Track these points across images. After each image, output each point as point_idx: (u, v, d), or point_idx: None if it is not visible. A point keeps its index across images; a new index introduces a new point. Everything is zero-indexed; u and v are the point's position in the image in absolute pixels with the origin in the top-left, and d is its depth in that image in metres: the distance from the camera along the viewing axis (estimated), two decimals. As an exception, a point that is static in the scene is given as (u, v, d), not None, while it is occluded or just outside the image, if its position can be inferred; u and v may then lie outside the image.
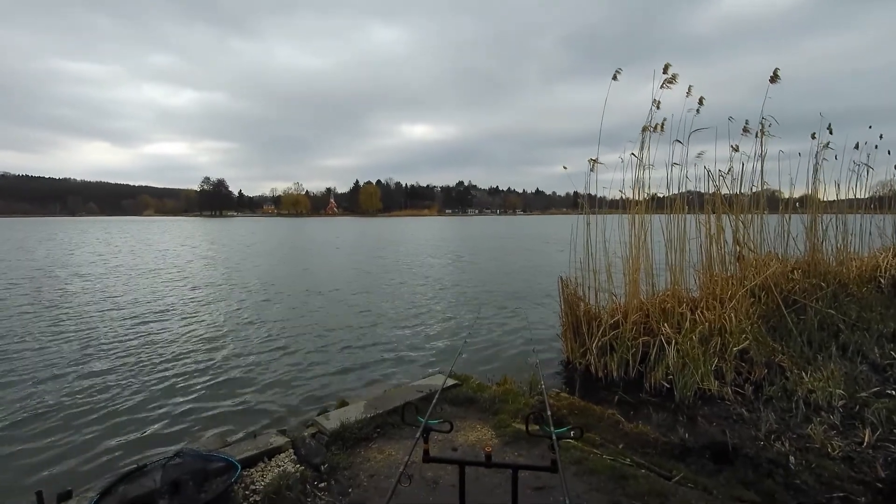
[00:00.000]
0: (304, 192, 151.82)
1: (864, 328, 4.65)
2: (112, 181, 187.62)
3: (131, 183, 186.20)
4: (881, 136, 6.78)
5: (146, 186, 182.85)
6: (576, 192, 5.38)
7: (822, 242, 6.41)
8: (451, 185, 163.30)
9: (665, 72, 4.41)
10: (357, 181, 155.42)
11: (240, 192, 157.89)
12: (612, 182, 4.92)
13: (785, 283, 5.71)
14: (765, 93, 5.01)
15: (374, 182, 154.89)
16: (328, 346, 5.76)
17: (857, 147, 6.51)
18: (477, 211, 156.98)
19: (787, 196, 6.25)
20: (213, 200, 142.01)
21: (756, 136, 5.33)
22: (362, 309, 7.84)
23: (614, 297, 4.89)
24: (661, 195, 4.99)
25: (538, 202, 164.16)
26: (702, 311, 4.32)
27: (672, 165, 4.92)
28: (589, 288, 4.91)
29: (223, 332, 6.37)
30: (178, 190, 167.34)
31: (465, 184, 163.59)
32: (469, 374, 3.97)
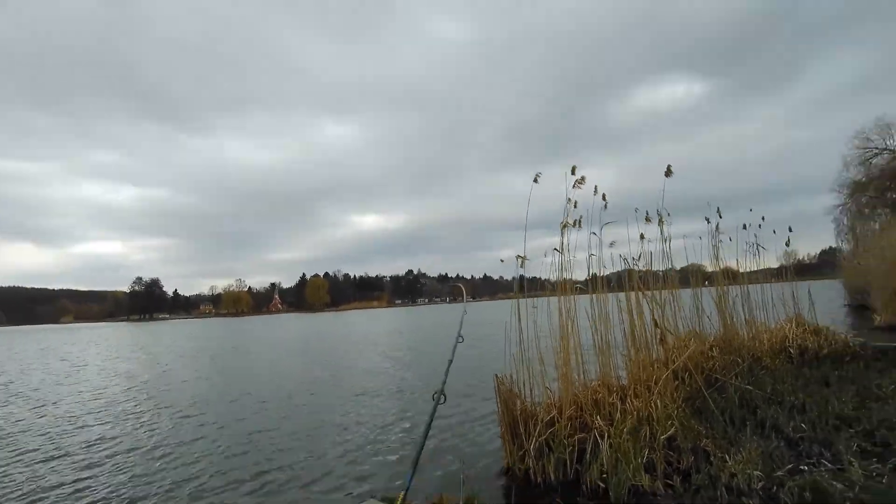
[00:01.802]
0: (246, 289, 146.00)
1: (778, 401, 4.91)
2: (27, 286, 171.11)
3: (50, 287, 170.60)
4: (763, 218, 7.79)
5: (67, 290, 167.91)
6: (522, 276, 5.61)
7: (733, 317, 6.96)
8: (400, 275, 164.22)
9: (573, 173, 4.93)
10: (304, 275, 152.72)
11: (175, 292, 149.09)
12: (546, 265, 5.21)
13: (705, 361, 6.03)
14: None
15: (321, 275, 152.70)
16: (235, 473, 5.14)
17: (745, 227, 7.41)
18: (426, 300, 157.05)
19: (696, 273, 6.87)
20: (145, 302, 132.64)
21: (658, 223, 5.98)
22: (280, 423, 7.22)
23: (549, 392, 4.89)
24: (583, 280, 5.32)
25: (486, 288, 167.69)
26: (630, 400, 4.40)
27: (590, 256, 5.33)
28: (524, 383, 4.90)
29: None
30: (106, 292, 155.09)
31: (415, 272, 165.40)
32: (397, 496, 3.66)
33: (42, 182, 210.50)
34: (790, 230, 7.53)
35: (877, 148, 23.18)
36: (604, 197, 5.24)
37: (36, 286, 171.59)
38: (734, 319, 6.86)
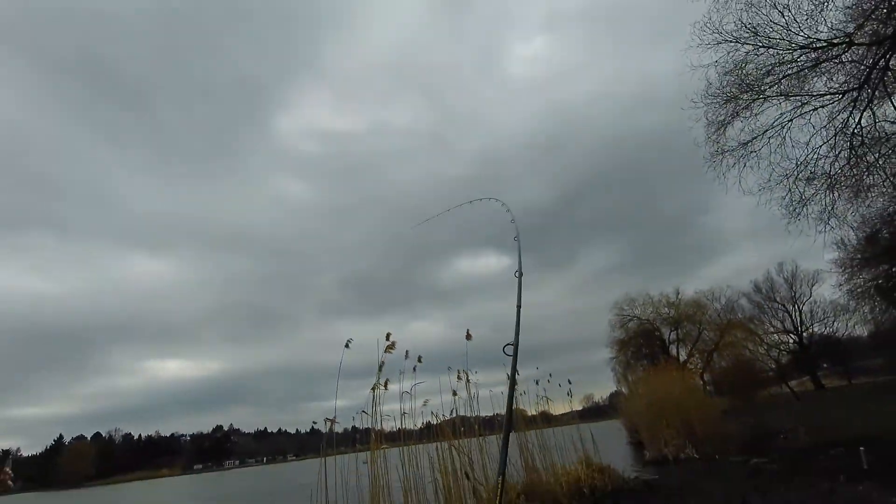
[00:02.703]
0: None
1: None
2: None
3: None
4: (550, 375, 9.21)
5: None
6: (354, 428, 5.31)
7: (534, 462, 7.60)
8: (206, 433, 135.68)
9: (387, 339, 5.34)
10: (61, 436, 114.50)
11: None
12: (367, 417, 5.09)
13: (513, 509, 6.28)
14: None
15: (89, 437, 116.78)
16: None
17: (537, 382, 8.63)
18: (237, 462, 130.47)
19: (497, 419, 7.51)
20: None
21: (465, 381, 6.63)
22: None
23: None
24: (394, 431, 5.37)
25: (313, 442, 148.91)
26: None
27: (403, 414, 5.53)
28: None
29: None
30: None
31: (226, 429, 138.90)
32: None
33: None
34: (570, 382, 9.03)
35: (629, 315, 30.51)
36: (419, 359, 5.78)
37: None
38: (535, 464, 7.48)
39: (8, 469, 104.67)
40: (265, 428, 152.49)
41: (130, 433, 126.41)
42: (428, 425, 5.80)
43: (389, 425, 5.28)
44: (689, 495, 7.66)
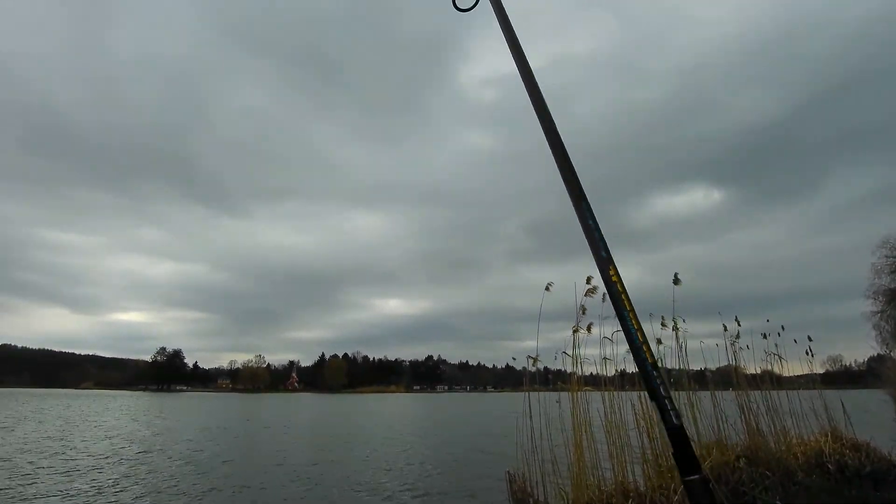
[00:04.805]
0: (265, 365, 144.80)
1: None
2: (57, 349, 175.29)
3: (76, 352, 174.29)
4: (782, 328, 7.74)
5: (92, 356, 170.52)
6: (546, 368, 5.67)
7: (759, 426, 6.67)
8: (419, 360, 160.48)
9: (588, 282, 5.26)
10: (323, 354, 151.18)
11: (195, 365, 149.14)
12: (567, 360, 5.31)
13: (730, 472, 5.74)
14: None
15: (340, 356, 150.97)
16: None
17: (765, 336, 7.36)
18: (446, 387, 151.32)
19: (711, 372, 6.76)
20: (164, 373, 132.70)
21: (672, 329, 6.10)
22: None
23: (562, 492, 4.77)
24: (594, 375, 5.39)
25: (509, 378, 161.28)
26: (647, 508, 4.26)
27: (604, 359, 5.46)
28: (537, 482, 4.81)
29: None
30: (126, 361, 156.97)
31: (435, 358, 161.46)
32: None
33: (86, 253, 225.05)
34: (810, 339, 7.44)
35: (904, 257, 22.78)
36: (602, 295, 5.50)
37: (65, 350, 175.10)
38: (760, 428, 6.57)
39: (294, 375, 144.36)
40: (467, 361, 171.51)
41: (367, 355, 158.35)
42: (622, 374, 5.63)
43: (589, 370, 5.32)
44: None
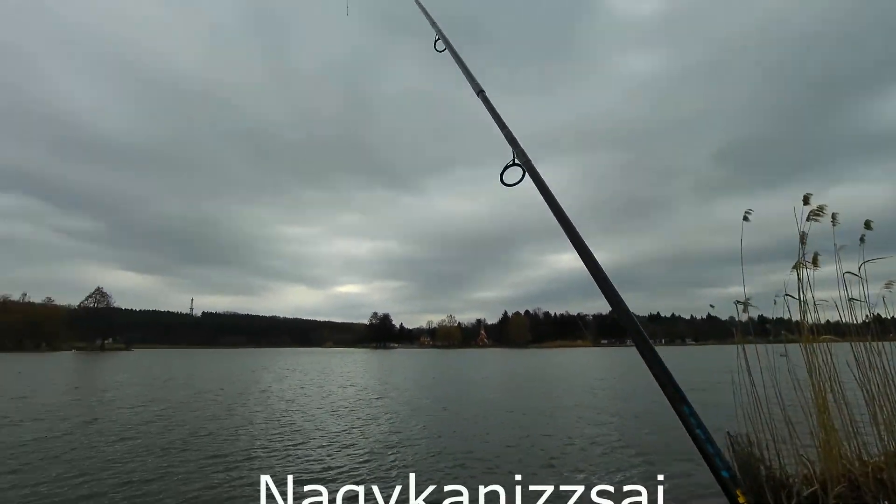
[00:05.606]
0: (456, 324, 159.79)
1: None
2: (304, 317, 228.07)
3: (317, 318, 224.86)
4: None
5: (328, 322, 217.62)
6: (761, 317, 4.86)
7: None
8: (603, 314, 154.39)
9: (807, 203, 4.22)
10: (506, 312, 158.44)
11: (401, 326, 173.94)
12: (793, 304, 4.46)
13: None
14: None
15: (521, 313, 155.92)
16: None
17: None
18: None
19: None
20: (379, 333, 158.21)
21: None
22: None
23: (805, 461, 4.08)
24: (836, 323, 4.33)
25: (712, 330, 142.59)
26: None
27: (850, 300, 4.33)
28: (766, 448, 4.21)
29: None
30: (351, 324, 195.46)
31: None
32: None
33: (309, 242, 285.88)
34: None
35: None
36: (867, 227, 4.23)
37: (309, 318, 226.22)
38: None
39: (483, 332, 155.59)
40: (658, 312, 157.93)
41: (548, 311, 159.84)
42: (879, 319, 4.32)
43: (824, 315, 4.27)
44: None
